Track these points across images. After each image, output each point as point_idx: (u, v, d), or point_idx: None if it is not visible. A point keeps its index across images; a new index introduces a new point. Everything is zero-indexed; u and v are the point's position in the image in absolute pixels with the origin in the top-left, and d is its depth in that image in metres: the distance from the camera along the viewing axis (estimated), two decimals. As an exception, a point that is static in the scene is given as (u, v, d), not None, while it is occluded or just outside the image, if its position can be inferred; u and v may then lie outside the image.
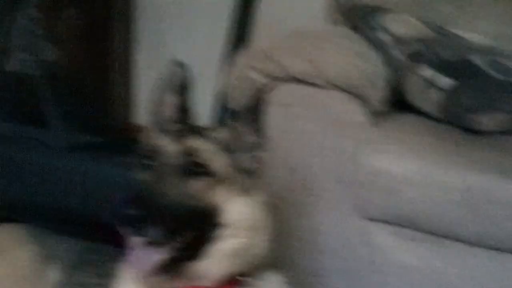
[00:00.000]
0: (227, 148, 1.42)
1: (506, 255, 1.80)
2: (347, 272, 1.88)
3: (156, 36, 3.69)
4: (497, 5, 2.43)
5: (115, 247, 1.45)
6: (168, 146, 1.38)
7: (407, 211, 1.80)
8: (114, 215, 1.25)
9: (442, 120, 2.08)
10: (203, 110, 1.98)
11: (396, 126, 2.00)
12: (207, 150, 1.38)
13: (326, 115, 1.90)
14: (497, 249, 1.80)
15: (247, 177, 1.43)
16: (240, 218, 1.38)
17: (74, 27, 3.68)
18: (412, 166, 1.80)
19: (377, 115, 1.96)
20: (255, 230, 1.41)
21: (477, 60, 2.10)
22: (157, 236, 1.28)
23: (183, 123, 1.46)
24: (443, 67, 2.09)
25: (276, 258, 1.51)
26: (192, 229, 1.34)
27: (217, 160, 1.38)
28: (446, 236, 1.81)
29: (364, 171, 1.83)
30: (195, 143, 1.39)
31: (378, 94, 1.98)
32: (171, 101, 1.47)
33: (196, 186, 1.35)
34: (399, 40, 2.23)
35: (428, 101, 2.08)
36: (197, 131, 1.47)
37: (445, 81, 2.07)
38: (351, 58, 1.99)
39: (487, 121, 2.01)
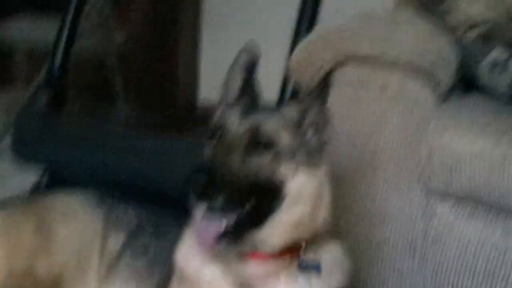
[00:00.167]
0: (294, 125, 1.46)
1: None
2: (407, 243, 1.90)
3: (223, 17, 3.71)
4: None
5: (180, 213, 1.51)
6: (236, 123, 1.44)
7: (470, 185, 1.80)
8: (183, 183, 1.32)
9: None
10: (271, 88, 2.01)
11: (462, 104, 1.98)
12: (274, 127, 1.43)
13: (392, 94, 1.90)
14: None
15: (312, 152, 1.47)
16: (303, 190, 1.43)
17: (143, 9, 3.76)
18: (477, 141, 1.79)
19: (443, 94, 1.95)
20: (317, 202, 1.46)
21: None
22: (223, 203, 1.34)
23: (251, 101, 1.51)
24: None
25: (337, 228, 1.54)
26: (256, 199, 1.39)
27: (283, 137, 1.43)
28: (508, 210, 1.80)
29: (428, 147, 1.84)
30: (262, 120, 1.44)
31: (448, 75, 1.97)
32: (240, 79, 1.52)
33: (261, 160, 1.40)
34: (470, 22, 2.19)
35: (501, 82, 2.06)
36: (264, 108, 1.53)
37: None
38: (422, 39, 1.98)
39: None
